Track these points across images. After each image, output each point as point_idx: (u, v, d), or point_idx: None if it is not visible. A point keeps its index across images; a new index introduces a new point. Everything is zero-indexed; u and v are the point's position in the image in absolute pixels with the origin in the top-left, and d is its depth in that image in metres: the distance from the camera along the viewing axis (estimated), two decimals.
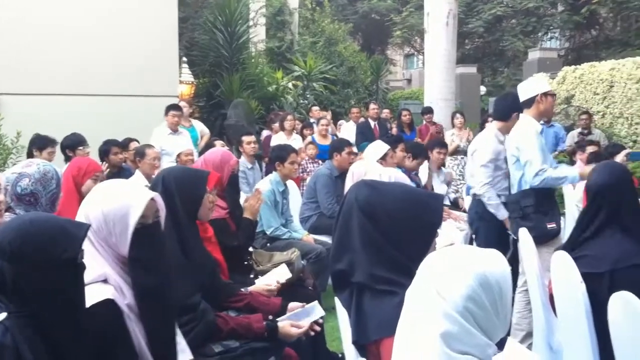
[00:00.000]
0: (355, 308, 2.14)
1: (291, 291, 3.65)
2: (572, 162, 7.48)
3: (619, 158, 5.25)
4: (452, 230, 5.59)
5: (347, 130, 10.03)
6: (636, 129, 10.85)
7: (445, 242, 4.45)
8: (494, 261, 1.50)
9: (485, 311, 1.44)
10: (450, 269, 1.48)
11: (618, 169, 3.05)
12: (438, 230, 2.13)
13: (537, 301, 3.54)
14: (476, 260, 1.49)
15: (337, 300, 2.30)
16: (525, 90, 4.44)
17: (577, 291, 2.85)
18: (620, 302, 2.53)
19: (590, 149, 6.59)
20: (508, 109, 4.67)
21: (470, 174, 5.09)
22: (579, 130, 9.44)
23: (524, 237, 3.82)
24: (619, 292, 2.53)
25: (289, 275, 3.74)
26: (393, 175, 3.03)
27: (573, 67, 12.86)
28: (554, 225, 4.16)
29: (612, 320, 2.61)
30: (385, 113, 10.65)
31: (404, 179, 3.00)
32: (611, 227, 2.87)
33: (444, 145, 7.12)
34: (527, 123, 4.31)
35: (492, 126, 4.78)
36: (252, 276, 3.80)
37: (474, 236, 5.10)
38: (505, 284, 1.49)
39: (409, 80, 27.75)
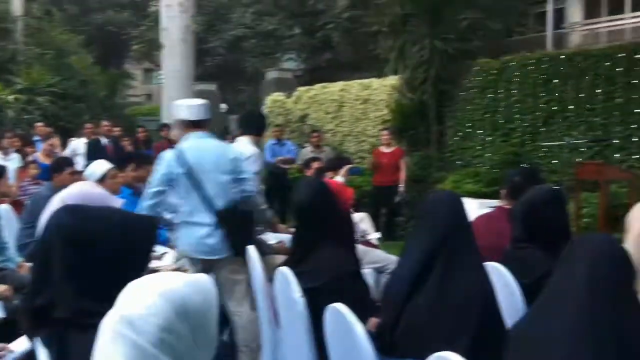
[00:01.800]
0: (58, 347, 1.90)
1: (6, 332, 3.18)
2: None
3: (342, 172, 5.55)
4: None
5: (77, 148, 9.39)
6: (363, 146, 11.72)
7: (171, 260, 4.27)
8: (196, 287, 1.37)
9: (184, 341, 1.30)
10: (146, 299, 1.32)
11: (317, 184, 3.17)
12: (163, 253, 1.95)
13: (263, 316, 3.58)
14: (175, 288, 1.35)
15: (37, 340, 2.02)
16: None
17: (297, 305, 2.90)
18: (333, 314, 2.60)
19: (315, 165, 6.80)
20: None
21: None
22: (310, 147, 9.90)
23: (252, 252, 3.83)
24: (332, 305, 2.59)
25: None
26: (101, 198, 2.79)
27: (307, 87, 13.55)
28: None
29: (327, 331, 2.67)
30: (116, 130, 10.15)
31: (113, 202, 2.78)
32: (324, 239, 2.95)
33: None
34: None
35: (246, 139, 4.90)
36: None
37: None
38: (209, 310, 1.37)
39: (149, 96, 27.23)
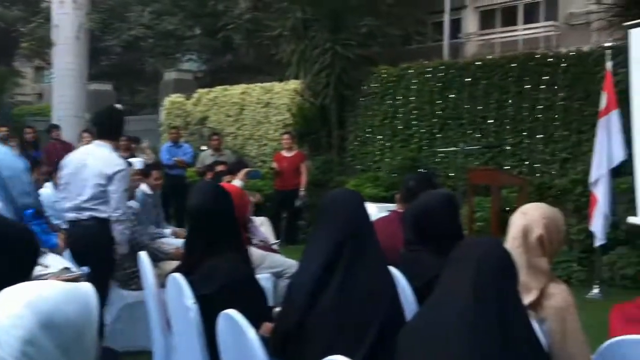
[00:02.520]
0: None
1: None
2: None
3: (240, 176, 5.45)
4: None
5: None
6: (264, 149, 11.65)
7: (60, 266, 4.06)
8: (71, 298, 1.28)
9: (49, 354, 1.21)
10: (11, 309, 1.23)
11: (211, 188, 3.06)
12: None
13: (155, 322, 3.49)
14: (44, 298, 1.25)
15: None
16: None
17: (189, 312, 2.81)
18: (225, 320, 2.54)
19: (219, 168, 6.76)
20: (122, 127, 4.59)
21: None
22: (210, 151, 9.74)
23: (144, 259, 3.70)
24: (224, 311, 2.53)
25: None
26: None
27: (207, 89, 13.34)
28: None
29: (220, 337, 2.61)
30: (2, 130, 9.61)
31: None
32: (217, 245, 2.86)
33: None
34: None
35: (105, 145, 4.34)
36: None
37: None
38: (86, 322, 1.27)
39: (40, 95, 26.07)
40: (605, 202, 6.42)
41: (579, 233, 7.02)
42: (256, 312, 2.60)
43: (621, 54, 6.48)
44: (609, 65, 6.53)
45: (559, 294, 2.35)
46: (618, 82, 6.48)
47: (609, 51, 6.63)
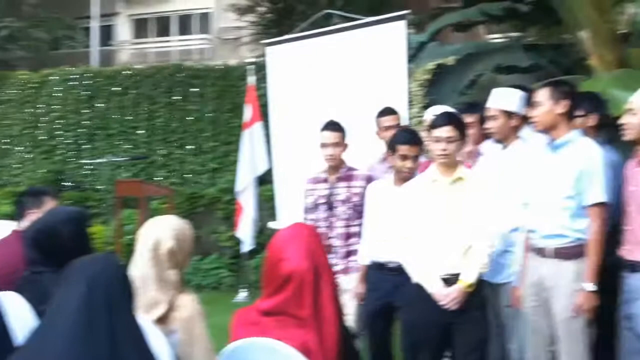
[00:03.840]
0: None
1: None
2: None
3: None
4: None
5: None
6: None
7: None
8: None
9: None
10: None
11: None
12: None
13: None
14: None
15: None
16: None
17: None
18: None
19: None
20: None
21: None
22: None
23: None
24: None
25: None
26: None
27: None
28: None
29: None
30: None
31: None
32: None
33: None
34: None
35: None
36: None
37: None
38: None
39: None
40: (252, 209, 6.72)
41: (229, 240, 7.22)
42: None
43: (263, 69, 6.82)
44: (251, 79, 6.85)
45: (186, 305, 2.35)
46: (261, 96, 6.81)
47: (251, 66, 6.96)
